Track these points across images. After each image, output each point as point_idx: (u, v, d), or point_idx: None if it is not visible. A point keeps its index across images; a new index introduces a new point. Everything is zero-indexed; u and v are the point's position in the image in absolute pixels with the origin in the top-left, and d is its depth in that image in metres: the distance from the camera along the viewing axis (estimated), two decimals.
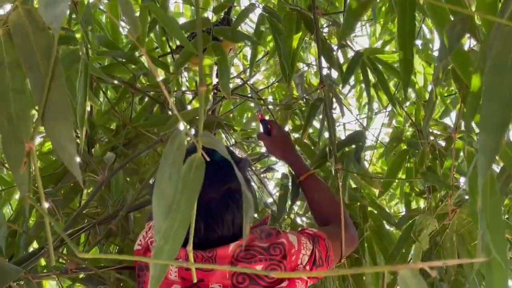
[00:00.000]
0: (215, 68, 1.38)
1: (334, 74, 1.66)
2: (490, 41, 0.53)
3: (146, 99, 1.74)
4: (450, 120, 1.82)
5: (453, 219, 1.26)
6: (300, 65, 2.18)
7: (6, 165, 1.48)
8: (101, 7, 1.67)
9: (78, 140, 1.10)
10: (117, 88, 1.72)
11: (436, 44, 2.13)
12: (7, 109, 0.50)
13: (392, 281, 1.48)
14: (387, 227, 1.49)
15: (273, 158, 1.98)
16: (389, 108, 2.01)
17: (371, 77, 1.45)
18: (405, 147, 1.57)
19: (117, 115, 1.59)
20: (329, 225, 1.20)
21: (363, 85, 1.55)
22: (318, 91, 1.43)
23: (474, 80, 0.74)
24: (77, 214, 1.31)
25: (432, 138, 1.46)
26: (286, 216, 1.63)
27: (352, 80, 1.94)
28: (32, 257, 1.16)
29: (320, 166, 1.47)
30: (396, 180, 1.73)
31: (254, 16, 2.80)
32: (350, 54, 1.86)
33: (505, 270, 0.65)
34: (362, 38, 7.19)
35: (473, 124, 0.94)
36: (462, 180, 1.46)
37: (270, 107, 2.02)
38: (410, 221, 1.33)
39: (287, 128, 1.89)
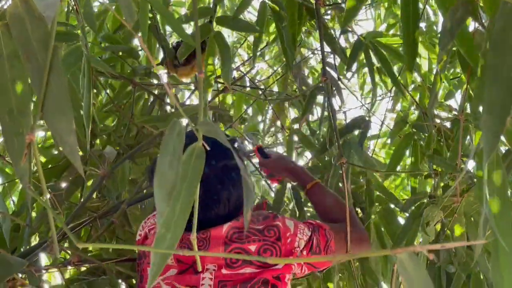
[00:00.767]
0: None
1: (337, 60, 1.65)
2: (495, 21, 0.52)
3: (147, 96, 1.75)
4: (455, 102, 1.80)
5: (461, 202, 1.25)
6: (305, 51, 2.17)
7: (8, 158, 1.48)
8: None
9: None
10: (117, 83, 1.71)
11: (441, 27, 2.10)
12: (8, 102, 0.50)
13: None
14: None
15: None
16: (393, 93, 1.98)
17: (374, 61, 1.44)
18: (409, 131, 1.55)
19: (120, 111, 1.60)
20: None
21: (366, 70, 1.54)
22: (321, 84, 1.41)
23: (481, 62, 0.74)
24: (78, 208, 1.32)
25: (438, 120, 1.44)
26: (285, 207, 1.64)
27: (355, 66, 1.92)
28: (35, 251, 1.17)
29: (322, 153, 1.47)
30: (400, 165, 1.72)
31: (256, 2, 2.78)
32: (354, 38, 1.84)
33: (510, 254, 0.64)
34: (366, 22, 7.13)
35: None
36: (470, 164, 1.45)
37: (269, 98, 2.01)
38: (416, 204, 1.31)
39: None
